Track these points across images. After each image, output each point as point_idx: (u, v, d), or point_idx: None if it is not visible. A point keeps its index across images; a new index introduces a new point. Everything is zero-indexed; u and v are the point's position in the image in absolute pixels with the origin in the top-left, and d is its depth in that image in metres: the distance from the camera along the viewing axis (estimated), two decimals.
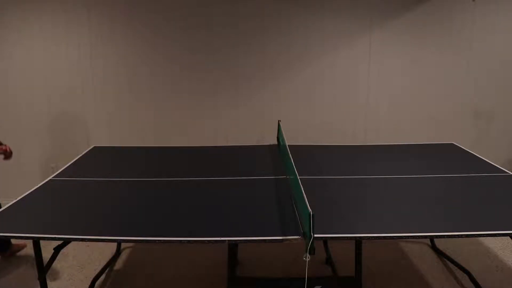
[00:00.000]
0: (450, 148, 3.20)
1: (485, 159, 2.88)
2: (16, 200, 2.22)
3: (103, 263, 3.04)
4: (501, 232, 1.81)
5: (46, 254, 2.11)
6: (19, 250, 3.19)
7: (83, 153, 3.16)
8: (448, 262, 2.99)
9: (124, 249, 3.28)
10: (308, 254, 1.60)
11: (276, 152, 3.12)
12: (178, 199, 2.24)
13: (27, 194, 2.32)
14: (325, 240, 2.80)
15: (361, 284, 2.24)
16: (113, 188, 2.45)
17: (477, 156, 2.95)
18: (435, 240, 3.22)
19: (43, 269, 2.05)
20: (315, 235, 1.60)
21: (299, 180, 2.05)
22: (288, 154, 2.55)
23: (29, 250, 3.25)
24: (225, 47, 3.82)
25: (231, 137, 3.99)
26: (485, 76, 3.88)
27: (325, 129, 3.98)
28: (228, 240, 1.78)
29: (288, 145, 2.75)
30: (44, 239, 1.88)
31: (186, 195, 2.29)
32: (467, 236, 1.84)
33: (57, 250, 2.15)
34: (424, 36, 3.79)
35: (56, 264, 3.04)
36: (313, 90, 3.91)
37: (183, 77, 3.88)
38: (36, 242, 2.00)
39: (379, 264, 2.97)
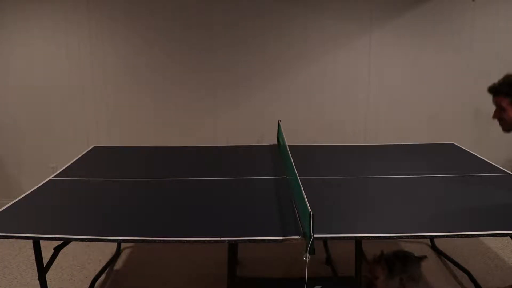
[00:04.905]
0: (450, 148, 3.20)
1: (485, 159, 2.88)
2: (16, 200, 2.22)
3: (103, 263, 3.04)
4: (501, 232, 1.81)
5: (46, 254, 2.10)
6: None
7: (83, 153, 3.16)
8: (448, 262, 2.99)
9: (124, 249, 3.28)
10: (308, 254, 1.60)
11: (276, 152, 3.12)
12: (178, 199, 2.24)
13: (27, 194, 2.32)
14: (325, 240, 2.80)
15: (361, 284, 2.24)
16: (113, 188, 2.45)
17: (477, 156, 2.95)
18: (435, 240, 3.22)
19: (43, 269, 2.04)
20: (315, 235, 1.60)
21: (299, 180, 2.05)
22: (288, 154, 2.54)
23: (29, 250, 3.25)
24: (225, 47, 3.82)
25: (231, 137, 3.99)
26: (485, 76, 3.86)
27: (325, 129, 3.98)
28: (228, 240, 1.78)
29: (288, 145, 2.75)
30: (44, 239, 1.87)
31: (186, 195, 2.29)
32: (467, 236, 1.84)
33: (57, 250, 2.14)
34: (424, 36, 3.79)
35: (56, 264, 3.04)
36: (313, 90, 3.91)
37: (183, 77, 3.88)
38: (36, 242, 1.99)
39: None
